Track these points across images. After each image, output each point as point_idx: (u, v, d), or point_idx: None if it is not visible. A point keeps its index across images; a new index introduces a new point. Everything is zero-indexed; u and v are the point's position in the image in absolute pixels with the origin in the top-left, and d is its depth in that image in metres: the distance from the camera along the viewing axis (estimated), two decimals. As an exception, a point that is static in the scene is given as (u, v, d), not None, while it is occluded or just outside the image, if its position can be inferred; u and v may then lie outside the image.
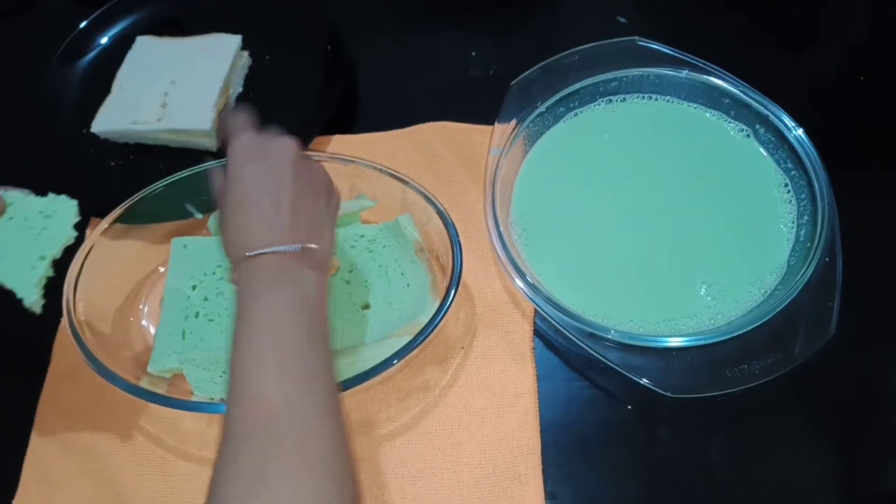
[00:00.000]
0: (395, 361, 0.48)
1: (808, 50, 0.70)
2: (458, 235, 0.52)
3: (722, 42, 0.67)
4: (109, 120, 0.65)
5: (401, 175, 0.55)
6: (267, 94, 0.69)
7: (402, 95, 0.70)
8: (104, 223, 0.56)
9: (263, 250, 0.41)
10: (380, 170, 0.56)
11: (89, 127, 0.66)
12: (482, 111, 0.63)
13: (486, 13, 0.76)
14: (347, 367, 0.50)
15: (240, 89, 0.69)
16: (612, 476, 0.50)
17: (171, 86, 0.66)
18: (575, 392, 0.53)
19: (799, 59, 0.68)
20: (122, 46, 0.70)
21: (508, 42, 0.73)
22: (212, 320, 0.55)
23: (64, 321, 0.52)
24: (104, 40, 0.73)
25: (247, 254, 0.41)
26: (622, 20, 0.70)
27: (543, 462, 0.50)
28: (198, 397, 0.51)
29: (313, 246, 0.43)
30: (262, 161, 0.44)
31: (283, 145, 0.46)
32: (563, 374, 0.54)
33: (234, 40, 0.68)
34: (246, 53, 0.69)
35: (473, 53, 0.73)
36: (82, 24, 0.72)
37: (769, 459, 0.50)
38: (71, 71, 0.71)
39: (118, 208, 0.56)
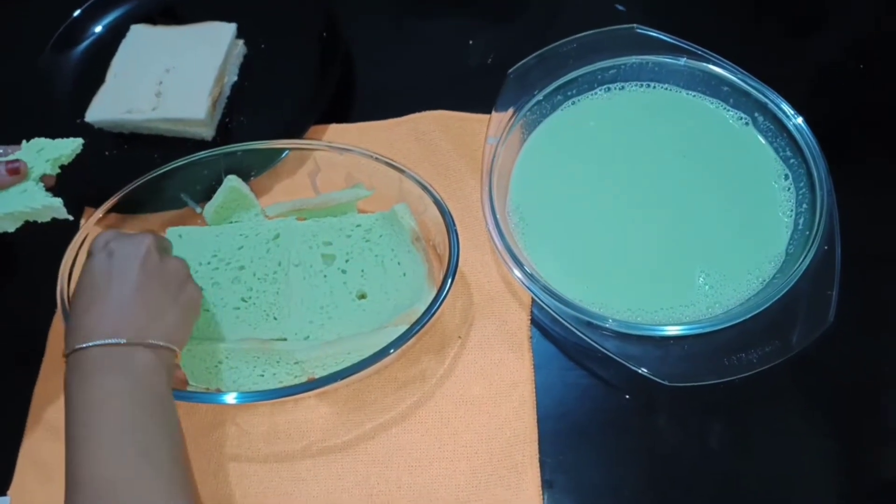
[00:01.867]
0: (392, 351, 0.48)
1: (807, 39, 0.69)
2: (454, 224, 0.52)
3: (721, 30, 0.66)
4: (103, 109, 0.65)
5: (397, 164, 0.55)
6: (262, 83, 0.68)
7: (399, 84, 0.69)
8: (98, 213, 0.56)
9: (91, 343, 0.42)
10: (376, 159, 0.55)
11: (83, 117, 0.65)
12: (479, 100, 0.63)
13: (484, 1, 0.75)
14: (343, 356, 0.50)
15: (235, 78, 0.68)
16: (610, 464, 0.50)
17: (166, 74, 0.66)
18: (572, 381, 0.53)
19: (798, 48, 0.68)
20: (116, 35, 0.69)
21: (506, 30, 0.73)
22: (207, 310, 0.55)
23: (59, 312, 0.51)
24: (98, 29, 0.72)
25: (76, 346, 0.42)
26: (620, 8, 0.70)
27: (540, 451, 0.50)
28: (192, 387, 0.51)
29: (151, 341, 0.43)
30: (112, 254, 0.46)
31: (137, 240, 0.47)
32: (560, 364, 0.54)
33: (230, 28, 0.67)
34: (241, 42, 0.69)
35: (471, 42, 0.72)
36: (76, 13, 0.72)
37: (768, 448, 0.50)
38: (65, 59, 0.70)
39: (112, 198, 0.56)
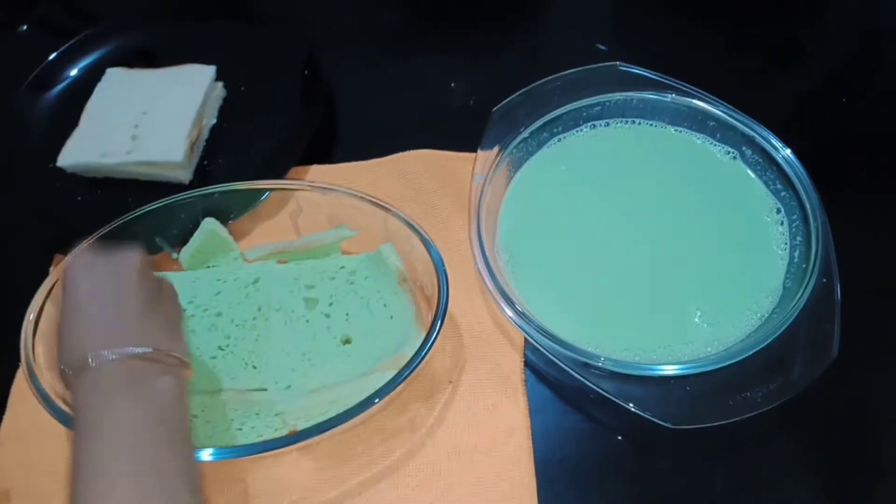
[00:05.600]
0: (377, 400, 0.45)
1: (789, 71, 0.70)
2: (443, 263, 0.50)
3: (702, 66, 0.67)
4: (77, 153, 0.63)
5: (382, 202, 0.53)
6: (242, 125, 0.67)
7: (381, 124, 0.68)
8: (68, 258, 0.53)
9: (110, 354, 0.36)
10: (360, 197, 0.54)
11: (56, 161, 0.63)
12: (464, 139, 0.62)
13: (464, 41, 0.76)
14: (327, 405, 0.47)
15: (214, 120, 0.67)
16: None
17: (143, 117, 0.64)
18: (569, 425, 0.51)
19: (780, 81, 0.68)
20: (92, 78, 0.68)
21: (487, 71, 0.73)
22: (182, 360, 0.52)
23: (22, 367, 0.48)
24: (74, 72, 0.71)
25: (90, 360, 0.36)
26: (602, 48, 0.70)
27: (539, 501, 0.47)
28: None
29: (170, 352, 0.38)
30: (105, 266, 0.41)
31: (128, 253, 0.42)
32: (557, 407, 0.51)
33: (209, 70, 0.66)
34: (220, 84, 0.68)
35: (453, 85, 0.72)
36: (52, 55, 0.70)
37: (775, 490, 0.47)
38: (38, 102, 0.69)
39: (84, 242, 0.53)
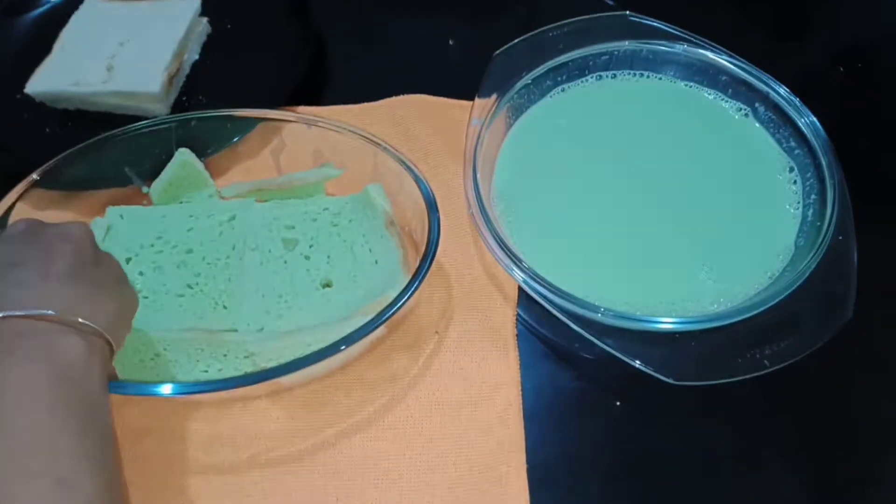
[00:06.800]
0: (356, 339, 0.41)
1: (801, 34, 0.67)
2: (434, 200, 0.46)
3: (713, 24, 0.63)
4: (47, 80, 0.58)
5: (372, 137, 0.49)
6: (226, 63, 0.63)
7: (373, 72, 0.64)
8: (21, 186, 0.48)
9: (12, 312, 0.33)
10: (348, 132, 0.50)
11: (24, 89, 0.59)
12: (461, 89, 0.59)
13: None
14: (303, 348, 0.43)
15: (196, 56, 0.63)
16: (606, 476, 0.44)
17: (120, 48, 0.60)
18: (563, 383, 0.47)
19: (792, 47, 0.66)
20: (73, 7, 0.63)
21: (487, 29, 0.69)
22: (146, 297, 0.48)
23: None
24: None
25: None
26: (610, 3, 0.67)
27: (527, 462, 0.43)
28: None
29: (82, 320, 0.34)
30: (38, 234, 0.37)
31: (68, 225, 0.38)
32: (550, 364, 0.48)
33: (193, 3, 0.62)
34: (205, 20, 0.64)
35: (451, 42, 0.68)
36: None
37: (783, 457, 0.44)
38: (12, 26, 0.64)
39: (39, 169, 0.49)
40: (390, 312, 0.42)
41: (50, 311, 0.34)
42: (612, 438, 0.45)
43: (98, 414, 0.34)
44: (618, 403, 0.46)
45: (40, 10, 0.66)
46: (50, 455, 0.31)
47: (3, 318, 0.33)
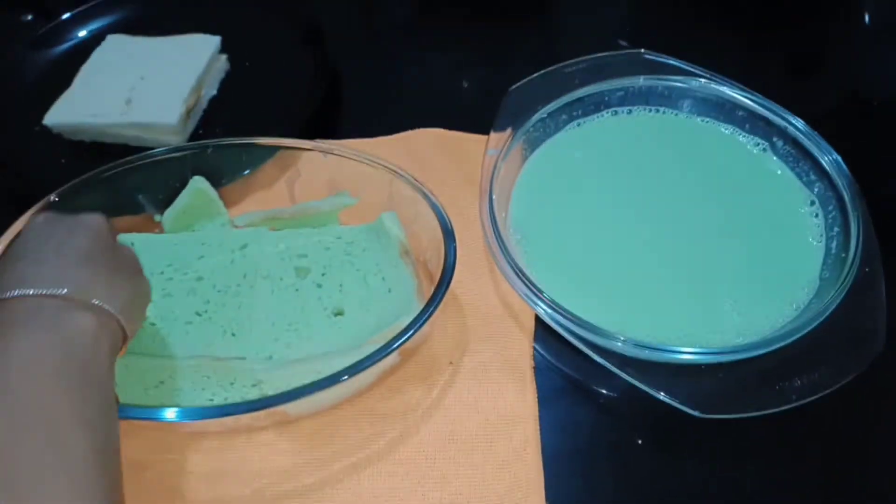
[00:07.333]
0: (368, 365, 0.40)
1: (816, 74, 0.67)
2: (450, 226, 0.45)
3: (727, 66, 0.64)
4: (66, 112, 0.59)
5: (388, 164, 0.49)
6: (243, 99, 0.64)
7: (387, 112, 0.65)
8: (38, 205, 0.48)
9: (18, 290, 0.33)
10: (364, 160, 0.50)
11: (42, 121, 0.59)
12: (476, 126, 0.59)
13: (476, 38, 0.73)
14: (312, 376, 0.41)
15: (214, 92, 0.64)
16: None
17: (140, 82, 0.61)
18: (582, 418, 0.45)
19: (806, 84, 0.66)
20: (99, 43, 0.65)
21: (500, 68, 0.70)
22: (153, 324, 0.47)
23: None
24: (83, 33, 0.68)
25: (4, 294, 0.33)
26: (623, 43, 0.68)
27: (547, 500, 0.41)
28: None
29: (96, 301, 0.34)
30: (60, 221, 0.38)
31: (88, 216, 0.39)
32: (568, 397, 0.46)
33: (213, 40, 0.63)
34: (224, 57, 0.65)
35: (465, 84, 0.69)
36: (65, 15, 0.68)
37: (811, 495, 0.42)
38: (38, 59, 0.66)
39: (57, 191, 0.49)
40: (404, 338, 0.41)
41: (64, 290, 0.33)
42: (633, 476, 0.43)
43: (102, 390, 0.33)
44: (640, 441, 0.44)
45: (66, 45, 0.68)
46: (47, 418, 0.30)
47: (19, 296, 0.33)
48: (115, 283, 0.36)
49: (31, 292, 0.33)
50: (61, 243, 0.36)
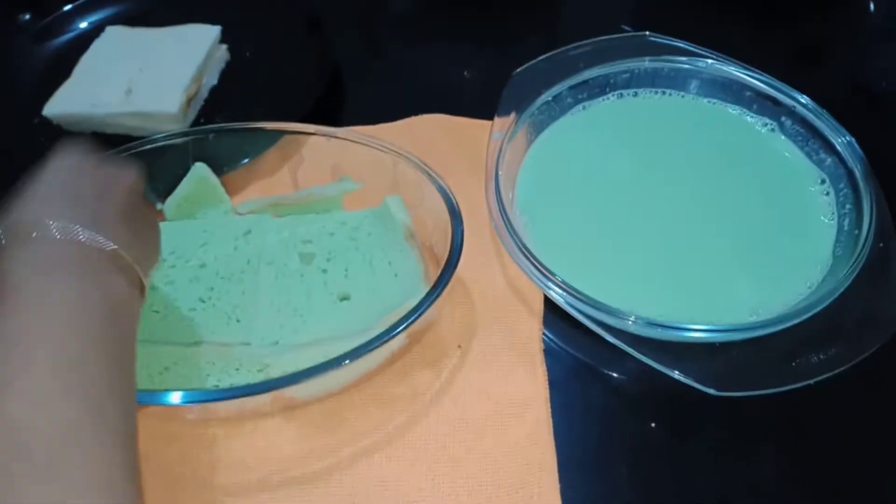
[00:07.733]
0: (374, 346, 0.39)
1: (823, 55, 0.67)
2: (458, 208, 0.45)
3: (732, 48, 0.64)
4: (65, 103, 0.59)
5: (393, 147, 0.48)
6: (244, 90, 0.63)
7: (389, 101, 0.64)
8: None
9: (65, 230, 0.30)
10: (368, 143, 0.49)
11: (42, 112, 0.58)
12: (479, 112, 0.58)
13: (477, 31, 0.73)
14: (318, 360, 0.40)
15: (214, 82, 0.63)
16: (642, 496, 0.40)
17: (139, 73, 0.60)
18: (594, 400, 0.44)
19: (813, 66, 0.65)
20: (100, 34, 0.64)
21: (503, 56, 0.69)
22: (157, 311, 0.46)
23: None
24: (84, 24, 0.68)
25: (49, 221, 0.30)
26: (627, 29, 0.67)
27: (560, 483, 0.40)
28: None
29: (135, 263, 0.33)
30: (97, 163, 0.36)
31: (127, 171, 0.36)
32: (579, 379, 0.45)
33: (213, 30, 0.63)
34: (224, 47, 0.64)
35: (466, 74, 0.69)
36: (66, 7, 0.68)
37: (833, 475, 0.41)
38: (39, 51, 0.65)
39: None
40: (412, 319, 0.40)
41: (113, 246, 0.31)
42: (647, 458, 0.42)
43: (131, 355, 0.32)
44: (653, 424, 0.43)
45: (66, 36, 0.67)
46: (85, 374, 0.28)
47: (64, 238, 0.30)
48: (144, 251, 0.35)
49: (82, 238, 0.30)
50: (102, 193, 0.33)
